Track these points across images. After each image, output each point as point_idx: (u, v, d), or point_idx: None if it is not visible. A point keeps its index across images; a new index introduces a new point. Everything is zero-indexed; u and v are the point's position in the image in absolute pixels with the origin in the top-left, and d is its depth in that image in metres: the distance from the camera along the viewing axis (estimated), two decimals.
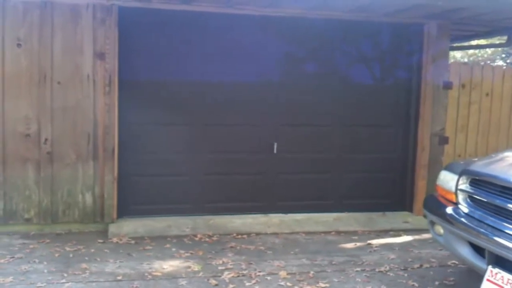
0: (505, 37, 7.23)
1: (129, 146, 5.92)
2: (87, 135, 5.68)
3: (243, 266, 4.71)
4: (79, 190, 5.72)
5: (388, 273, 4.70)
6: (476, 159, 4.44)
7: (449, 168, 4.25)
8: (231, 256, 5.01)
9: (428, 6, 5.58)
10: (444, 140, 6.67)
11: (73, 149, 5.66)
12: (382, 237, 5.86)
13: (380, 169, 6.72)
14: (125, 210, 5.95)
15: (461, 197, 3.89)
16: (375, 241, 5.67)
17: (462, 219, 3.75)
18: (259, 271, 4.58)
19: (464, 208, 3.83)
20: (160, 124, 6.05)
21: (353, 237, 5.83)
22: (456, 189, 3.92)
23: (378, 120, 6.67)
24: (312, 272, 4.62)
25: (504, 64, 10.41)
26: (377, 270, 4.75)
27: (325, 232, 5.95)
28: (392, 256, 5.15)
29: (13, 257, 4.74)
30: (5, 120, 5.49)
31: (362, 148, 6.65)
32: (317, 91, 6.42)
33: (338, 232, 5.98)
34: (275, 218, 6.26)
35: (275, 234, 5.83)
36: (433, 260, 5.08)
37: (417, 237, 5.94)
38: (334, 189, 6.61)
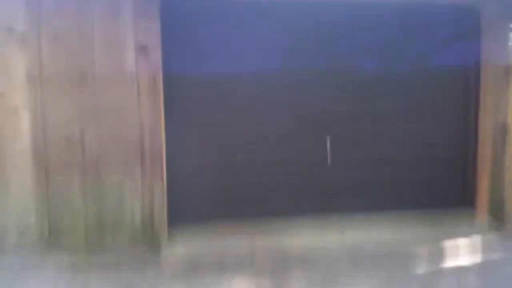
0: None
1: (177, 152, 5.39)
2: (132, 138, 5.15)
3: None
4: (129, 200, 5.17)
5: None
6: None
7: None
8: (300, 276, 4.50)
9: None
10: (508, 130, 6.20)
11: (119, 154, 5.14)
12: (452, 238, 5.44)
13: (440, 164, 6.27)
14: (175, 224, 5.41)
15: None
16: (446, 243, 5.21)
17: None
18: None
19: None
20: (211, 125, 5.54)
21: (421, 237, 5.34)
22: None
23: (435, 112, 6.22)
24: None
25: None
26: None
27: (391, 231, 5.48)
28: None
29: None
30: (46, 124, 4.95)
31: (419, 143, 6.20)
32: (368, 85, 5.96)
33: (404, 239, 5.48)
34: (334, 221, 5.75)
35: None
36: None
37: (487, 237, 5.59)
38: (393, 188, 6.15)
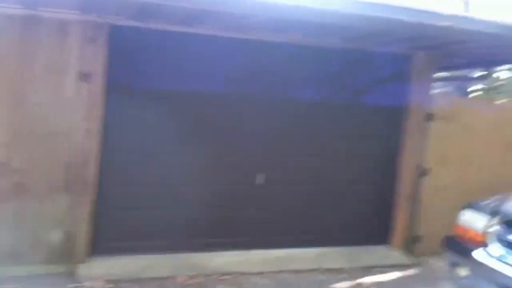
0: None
1: (110, 176, 5.38)
2: (64, 165, 5.11)
3: None
4: (48, 227, 5.12)
5: None
6: (497, 199, 4.28)
7: (475, 208, 4.09)
8: None
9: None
10: (424, 172, 6.58)
11: (46, 180, 5.07)
12: (370, 274, 5.68)
13: (361, 201, 6.54)
14: (98, 248, 5.41)
15: (491, 238, 3.71)
16: (365, 280, 5.47)
17: (494, 261, 3.58)
18: None
19: (496, 249, 3.66)
20: (147, 153, 5.56)
21: (342, 275, 5.63)
22: (487, 230, 3.75)
23: (359, 150, 6.49)
24: None
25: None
26: None
27: (312, 270, 5.70)
28: None
29: None
30: None
31: (343, 179, 6.43)
32: (301, 119, 6.16)
33: (326, 270, 5.75)
34: (257, 256, 5.92)
35: (261, 273, 5.51)
36: None
37: (404, 273, 5.85)
38: (314, 223, 6.34)
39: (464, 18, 5.24)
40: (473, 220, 4.11)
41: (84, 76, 5.10)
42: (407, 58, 6.50)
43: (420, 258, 6.29)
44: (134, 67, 5.43)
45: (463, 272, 4.11)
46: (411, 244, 6.48)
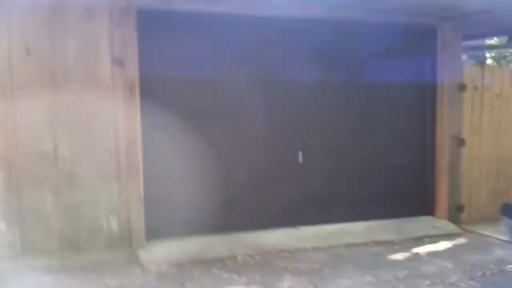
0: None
1: (154, 162, 5.37)
2: (109, 152, 5.09)
3: None
4: (103, 215, 5.11)
5: (460, 284, 4.53)
6: None
7: None
8: (290, 277, 4.66)
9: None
10: (462, 142, 6.65)
11: (94, 169, 5.04)
12: (423, 245, 5.73)
13: (401, 174, 6.58)
14: (152, 232, 5.39)
15: None
16: (420, 250, 5.53)
17: None
18: None
19: None
20: (187, 137, 5.54)
21: (395, 247, 5.67)
22: None
23: (396, 125, 6.55)
24: None
25: None
26: (447, 282, 4.58)
27: (364, 244, 5.75)
28: (449, 265, 5.02)
29: None
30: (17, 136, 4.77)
31: (381, 153, 6.48)
32: (335, 99, 6.18)
33: (377, 243, 5.79)
34: (308, 232, 5.95)
35: (316, 249, 5.55)
36: (491, 266, 4.99)
37: (454, 242, 5.90)
38: (358, 198, 6.38)
39: None
40: None
41: (118, 62, 5.05)
42: (434, 29, 6.54)
43: (465, 226, 6.37)
44: (165, 51, 5.39)
45: None
46: (455, 214, 6.56)
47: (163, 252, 5.17)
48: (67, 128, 4.96)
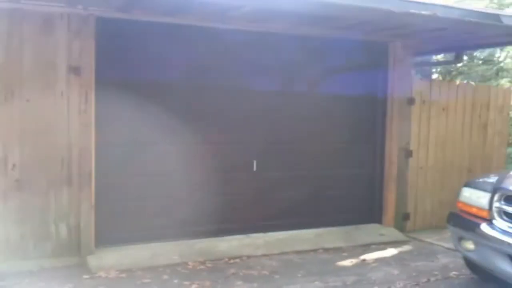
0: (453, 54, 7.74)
1: (107, 168, 5.38)
2: (61, 158, 5.07)
3: None
4: (52, 221, 5.08)
5: None
6: (495, 176, 4.59)
7: (475, 186, 4.39)
8: (241, 284, 4.73)
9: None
10: (409, 154, 6.91)
11: (45, 175, 5.01)
12: (370, 252, 5.91)
13: (350, 183, 6.79)
14: (103, 239, 5.38)
15: (496, 213, 4.00)
16: (367, 256, 5.70)
17: (501, 234, 3.86)
18: None
19: (501, 223, 3.95)
20: (140, 144, 5.58)
21: (343, 254, 5.82)
22: (490, 206, 4.03)
23: (347, 135, 6.75)
24: None
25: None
26: (393, 287, 4.73)
27: (313, 250, 5.89)
28: (395, 272, 5.20)
29: None
30: None
31: (333, 163, 6.67)
32: (289, 109, 6.33)
33: (326, 250, 5.95)
34: (259, 239, 6.05)
35: (266, 255, 5.65)
36: (435, 272, 5.19)
37: (401, 249, 6.09)
38: (308, 206, 6.54)
39: (444, 7, 5.58)
40: (476, 197, 4.39)
41: (74, 70, 5.07)
42: (387, 46, 6.80)
43: (411, 234, 6.61)
44: (121, 60, 5.43)
45: (470, 245, 4.38)
46: (401, 222, 6.80)
47: (113, 258, 5.16)
48: (19, 135, 4.92)
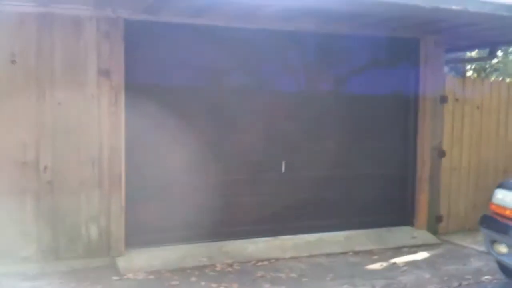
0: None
1: (137, 170, 5.42)
2: (91, 160, 5.12)
3: None
4: (83, 222, 5.14)
5: None
6: None
7: (509, 187, 4.24)
8: (269, 286, 4.72)
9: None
10: (442, 154, 6.74)
11: (76, 177, 5.07)
12: (401, 255, 5.80)
13: (381, 184, 6.66)
14: (132, 240, 5.42)
15: None
16: (398, 260, 5.59)
17: None
18: None
19: None
20: (169, 145, 5.59)
21: (374, 257, 5.73)
22: None
23: (379, 136, 6.62)
24: None
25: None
26: None
27: (343, 253, 5.81)
28: (427, 275, 5.09)
29: None
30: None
31: (364, 164, 6.55)
32: (319, 109, 6.24)
33: (356, 252, 5.86)
34: (287, 241, 5.99)
35: (295, 258, 5.61)
36: (467, 276, 5.06)
37: (432, 252, 5.96)
38: (339, 207, 6.44)
39: (475, 1, 5.38)
40: (510, 199, 4.28)
41: (104, 72, 5.11)
42: (418, 42, 6.63)
43: (444, 237, 6.46)
44: (149, 61, 5.46)
45: (503, 248, 4.26)
46: (434, 224, 6.65)
47: (141, 260, 5.20)
48: (51, 136, 4.99)
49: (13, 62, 4.82)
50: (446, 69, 10.69)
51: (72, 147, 5.05)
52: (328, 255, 5.72)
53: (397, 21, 5.69)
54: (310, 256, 5.66)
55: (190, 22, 5.40)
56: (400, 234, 6.44)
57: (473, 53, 9.65)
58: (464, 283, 4.88)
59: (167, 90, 5.54)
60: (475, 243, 6.16)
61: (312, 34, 5.99)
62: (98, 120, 5.13)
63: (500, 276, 4.91)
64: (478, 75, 11.64)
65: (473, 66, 11.69)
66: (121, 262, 5.12)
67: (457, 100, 6.81)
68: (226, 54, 5.77)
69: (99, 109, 5.13)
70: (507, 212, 4.26)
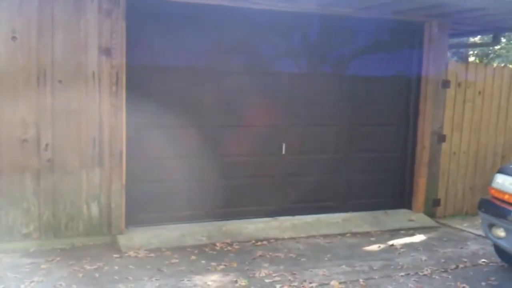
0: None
1: (137, 150, 5.44)
2: (92, 139, 5.14)
3: (290, 278, 4.47)
4: (84, 200, 5.17)
5: (433, 276, 4.65)
6: None
7: (509, 172, 4.27)
8: (268, 266, 4.76)
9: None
10: (442, 138, 6.75)
11: (77, 155, 5.09)
12: (398, 237, 5.85)
13: (380, 167, 6.70)
14: (132, 219, 5.47)
15: None
16: (395, 242, 5.64)
17: None
18: (310, 282, 4.37)
19: None
20: (170, 126, 5.60)
21: (371, 239, 5.77)
22: None
23: (379, 119, 6.63)
24: (361, 280, 4.47)
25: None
26: (420, 273, 4.70)
27: (341, 235, 5.86)
28: (424, 258, 5.14)
29: (32, 281, 4.17)
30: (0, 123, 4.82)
31: (363, 147, 6.58)
32: (319, 91, 6.25)
33: (353, 234, 5.91)
34: (286, 222, 6.04)
35: (293, 238, 5.66)
36: (464, 259, 5.11)
37: (430, 235, 6.01)
38: (337, 189, 6.50)
39: None
40: (509, 184, 4.30)
41: (105, 51, 5.09)
42: (422, 25, 6.60)
43: (441, 220, 6.51)
44: (151, 41, 5.44)
45: (501, 232, 4.30)
46: (432, 207, 6.69)
47: (142, 238, 5.24)
48: (51, 114, 4.98)
49: (13, 38, 4.79)
50: (448, 54, 10.69)
51: (73, 126, 5.06)
52: (326, 236, 5.77)
53: (402, 4, 5.66)
54: (308, 237, 5.71)
55: (194, 1, 5.36)
56: (398, 217, 6.49)
57: (476, 39, 9.60)
58: (461, 265, 4.93)
59: (169, 70, 5.55)
60: (472, 226, 6.21)
61: (316, 15, 5.95)
62: (99, 99, 5.13)
63: (496, 259, 4.97)
64: (480, 61, 11.60)
65: (475, 52, 11.66)
66: (122, 240, 5.17)
67: (459, 85, 6.81)
68: (228, 35, 5.76)
69: (100, 88, 5.12)
70: (506, 197, 4.29)
